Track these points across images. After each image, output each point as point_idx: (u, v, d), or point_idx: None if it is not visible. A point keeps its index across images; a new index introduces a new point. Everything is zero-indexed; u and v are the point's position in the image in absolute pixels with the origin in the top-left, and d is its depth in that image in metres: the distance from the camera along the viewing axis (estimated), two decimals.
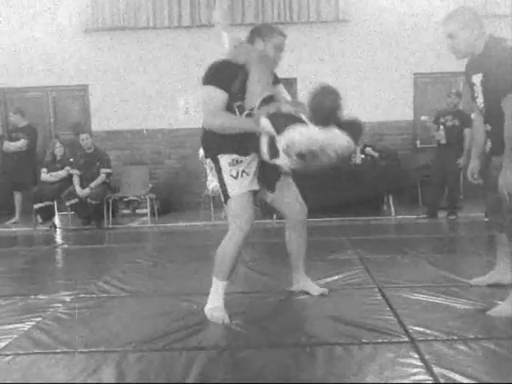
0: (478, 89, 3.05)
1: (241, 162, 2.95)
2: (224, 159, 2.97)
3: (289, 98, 3.19)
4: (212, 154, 3.03)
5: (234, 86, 2.87)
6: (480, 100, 3.08)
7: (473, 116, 3.44)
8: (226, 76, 2.89)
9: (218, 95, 2.85)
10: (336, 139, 2.69)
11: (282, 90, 3.20)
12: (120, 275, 4.08)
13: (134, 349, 2.57)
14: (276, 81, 3.17)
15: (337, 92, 2.80)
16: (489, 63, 2.91)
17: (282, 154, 2.76)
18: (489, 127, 3.10)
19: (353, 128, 2.82)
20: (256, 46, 3.00)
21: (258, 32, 3.04)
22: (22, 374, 2.35)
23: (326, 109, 2.74)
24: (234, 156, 2.93)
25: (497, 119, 2.95)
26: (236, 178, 2.93)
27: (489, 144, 3.23)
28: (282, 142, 2.68)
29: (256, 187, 2.99)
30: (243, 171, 2.94)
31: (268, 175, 3.12)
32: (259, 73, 2.89)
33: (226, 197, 2.96)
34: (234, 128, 2.87)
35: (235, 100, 2.90)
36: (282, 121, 2.72)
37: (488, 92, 2.98)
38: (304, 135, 2.64)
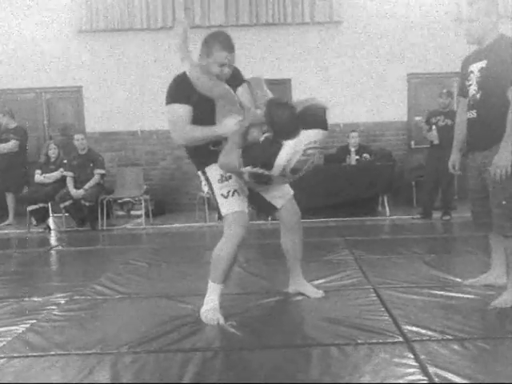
0: (475, 76, 3.05)
1: (229, 178, 2.93)
2: (212, 173, 2.97)
3: (249, 102, 3.01)
4: (200, 166, 3.05)
5: (194, 96, 2.85)
6: (473, 87, 3.07)
7: (457, 111, 3.44)
8: (183, 90, 2.88)
9: (180, 110, 2.87)
10: (310, 138, 2.71)
11: (244, 92, 3.04)
12: (114, 277, 4.06)
13: (128, 350, 2.57)
14: (239, 82, 3.04)
15: (285, 102, 2.80)
16: (496, 52, 2.94)
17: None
18: (474, 114, 3.07)
19: (316, 119, 2.78)
20: (202, 61, 2.92)
21: (204, 46, 2.92)
22: (16, 376, 2.34)
23: (283, 125, 2.71)
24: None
25: (488, 107, 2.96)
26: (226, 197, 2.93)
27: (468, 133, 3.20)
28: (274, 172, 2.70)
29: (245, 208, 2.97)
30: (235, 191, 2.94)
31: (263, 206, 3.21)
32: (221, 108, 2.86)
33: (220, 215, 2.99)
34: (203, 138, 2.89)
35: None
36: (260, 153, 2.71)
37: (487, 79, 2.97)
38: (285, 157, 2.66)
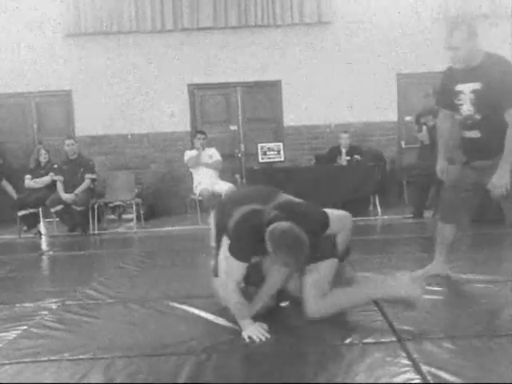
0: (467, 97, 3.09)
1: None
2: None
3: None
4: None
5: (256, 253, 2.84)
6: (466, 107, 3.12)
7: (438, 120, 3.51)
8: (250, 249, 2.80)
9: (238, 269, 2.79)
10: None
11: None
12: (106, 281, 4.05)
13: (121, 355, 2.55)
14: None
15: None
16: (488, 73, 2.98)
17: None
18: (478, 134, 3.15)
19: None
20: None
21: (277, 244, 2.67)
22: (8, 383, 2.32)
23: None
24: None
25: (492, 127, 3.06)
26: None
27: (470, 149, 3.29)
28: None
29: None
30: None
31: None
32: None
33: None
34: (228, 303, 2.88)
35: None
36: None
37: (486, 102, 3.03)
38: None
